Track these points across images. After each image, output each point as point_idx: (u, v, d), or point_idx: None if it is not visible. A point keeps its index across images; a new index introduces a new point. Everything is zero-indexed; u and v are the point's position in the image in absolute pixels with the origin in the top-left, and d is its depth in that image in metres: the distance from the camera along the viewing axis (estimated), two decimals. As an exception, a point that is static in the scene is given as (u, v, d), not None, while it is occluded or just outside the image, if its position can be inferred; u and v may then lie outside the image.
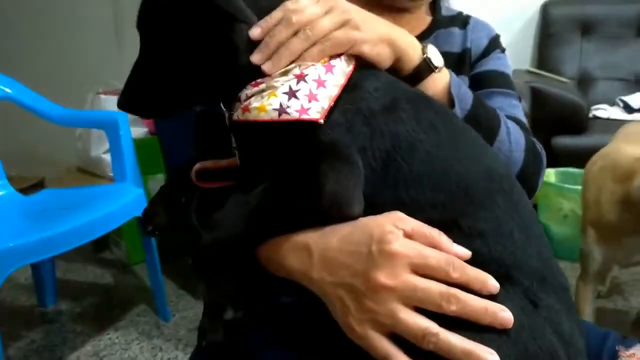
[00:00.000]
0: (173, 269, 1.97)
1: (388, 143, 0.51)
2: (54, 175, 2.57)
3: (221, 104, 0.59)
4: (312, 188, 0.48)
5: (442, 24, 0.79)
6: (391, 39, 0.58)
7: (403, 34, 0.60)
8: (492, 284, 0.44)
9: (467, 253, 0.46)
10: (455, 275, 0.44)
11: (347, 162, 0.48)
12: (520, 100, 0.76)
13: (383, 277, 0.43)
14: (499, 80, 0.76)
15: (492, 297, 0.44)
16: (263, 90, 0.52)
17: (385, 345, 0.43)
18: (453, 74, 0.63)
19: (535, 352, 0.43)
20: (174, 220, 0.68)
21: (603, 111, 2.31)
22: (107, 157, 2.02)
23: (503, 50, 0.80)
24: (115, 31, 2.68)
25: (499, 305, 0.43)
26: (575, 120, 2.06)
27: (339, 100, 0.51)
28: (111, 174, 2.02)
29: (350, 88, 0.52)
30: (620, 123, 2.01)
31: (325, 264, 0.47)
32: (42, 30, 2.73)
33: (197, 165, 0.63)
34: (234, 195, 0.56)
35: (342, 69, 0.53)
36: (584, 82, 2.55)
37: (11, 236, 1.27)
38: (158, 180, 2.11)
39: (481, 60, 0.78)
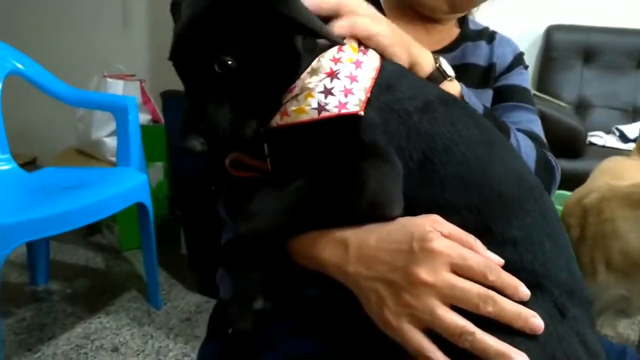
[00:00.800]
0: (165, 258, 1.97)
1: (424, 143, 0.52)
2: (45, 154, 2.55)
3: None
4: (354, 187, 0.49)
5: (469, 37, 0.81)
6: (407, 44, 0.61)
7: (417, 45, 0.63)
8: (524, 290, 0.46)
9: (500, 261, 0.48)
10: (491, 278, 0.45)
11: (388, 162, 0.50)
12: (538, 116, 0.78)
13: (423, 273, 0.45)
14: (521, 95, 0.79)
15: (522, 304, 0.46)
16: (297, 95, 0.53)
17: (420, 339, 0.45)
18: (463, 85, 0.66)
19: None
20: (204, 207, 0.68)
21: (599, 138, 2.36)
22: (109, 140, 2.01)
23: (526, 67, 0.83)
24: (123, 15, 2.67)
25: (531, 311, 0.45)
26: (573, 144, 2.11)
27: (372, 96, 0.52)
28: (111, 158, 2.02)
29: (382, 87, 0.54)
30: (616, 151, 2.06)
31: (363, 258, 0.48)
32: (49, 10, 2.70)
33: (233, 155, 0.62)
34: (265, 189, 0.57)
35: (371, 65, 0.55)
36: (582, 108, 2.61)
37: (16, 212, 1.27)
38: (157, 168, 2.12)
39: (505, 74, 0.81)
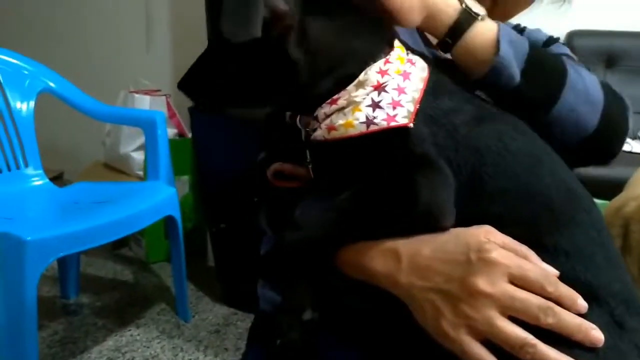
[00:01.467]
0: (192, 270, 1.98)
1: (472, 157, 0.52)
2: (72, 169, 2.60)
3: (297, 122, 0.59)
4: (407, 197, 0.49)
5: None
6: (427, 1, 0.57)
7: None
8: (581, 303, 0.46)
9: (555, 272, 0.47)
10: (549, 289, 0.45)
11: (440, 172, 0.50)
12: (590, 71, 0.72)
13: (482, 284, 0.45)
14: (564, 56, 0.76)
15: (580, 317, 0.46)
16: (343, 107, 0.53)
17: (479, 350, 0.44)
18: (502, 24, 0.61)
19: None
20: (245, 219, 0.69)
21: (626, 144, 2.32)
22: (136, 155, 2.05)
23: (564, 44, 0.79)
24: (146, 31, 2.72)
25: (591, 324, 0.45)
26: (599, 150, 2.08)
27: (421, 108, 0.52)
28: (138, 172, 2.05)
29: (429, 99, 0.54)
30: (642, 157, 2.03)
31: (416, 269, 0.48)
32: (74, 27, 2.77)
33: (276, 165, 0.63)
34: (310, 199, 0.57)
35: (419, 75, 0.55)
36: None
37: (51, 227, 1.30)
38: (184, 182, 2.14)
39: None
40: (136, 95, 2.02)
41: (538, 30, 0.82)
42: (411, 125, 0.51)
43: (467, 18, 0.58)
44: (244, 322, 1.74)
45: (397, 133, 0.51)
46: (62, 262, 1.81)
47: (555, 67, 0.60)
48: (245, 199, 0.68)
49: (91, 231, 1.32)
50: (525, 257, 0.47)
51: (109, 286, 1.98)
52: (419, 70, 0.55)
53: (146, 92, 2.07)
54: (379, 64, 0.54)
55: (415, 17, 0.57)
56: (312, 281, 0.55)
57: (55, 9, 2.79)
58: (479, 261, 0.45)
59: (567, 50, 0.76)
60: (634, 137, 2.42)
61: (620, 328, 0.47)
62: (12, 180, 1.55)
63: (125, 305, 1.85)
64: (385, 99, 0.52)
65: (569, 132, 0.59)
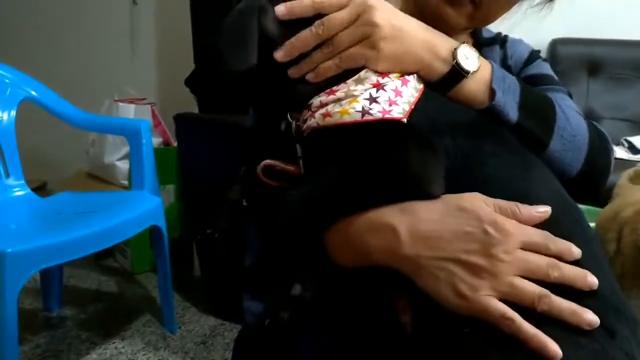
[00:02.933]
0: (178, 280, 1.95)
1: (469, 148, 0.54)
2: (56, 179, 2.56)
3: (288, 115, 0.60)
4: (397, 166, 0.50)
5: (485, 43, 0.82)
6: (414, 54, 0.58)
7: (432, 42, 0.60)
8: (575, 250, 0.49)
9: (547, 209, 0.50)
10: (552, 247, 0.49)
11: (432, 148, 0.52)
12: (571, 97, 0.74)
13: (502, 254, 0.48)
14: (545, 80, 0.77)
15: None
16: (340, 99, 0.55)
17: (501, 305, 0.46)
18: (496, 65, 0.62)
19: None
20: (232, 224, 0.68)
21: (609, 150, 2.36)
22: (121, 164, 2.02)
23: (545, 60, 0.82)
24: (131, 40, 2.70)
25: (583, 270, 0.48)
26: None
27: (417, 108, 0.54)
28: (123, 181, 2.03)
29: (423, 108, 0.55)
30: (626, 163, 2.05)
31: (423, 240, 0.49)
32: (60, 35, 2.74)
33: (266, 162, 0.63)
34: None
35: (415, 85, 0.57)
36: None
37: (32, 238, 1.27)
38: (169, 191, 2.12)
39: (524, 68, 0.80)
40: (120, 104, 2.00)
41: (520, 42, 0.83)
42: (405, 120, 0.53)
43: (455, 75, 0.59)
44: (231, 332, 1.72)
45: (390, 125, 0.53)
46: (45, 274, 1.77)
47: (545, 115, 0.62)
48: (230, 205, 0.67)
49: (74, 242, 1.29)
50: (515, 213, 0.50)
51: (93, 298, 1.94)
52: (416, 82, 0.58)
53: (131, 101, 2.06)
54: None
55: (391, 68, 0.57)
56: (305, 257, 0.55)
57: (39, 17, 2.76)
58: (497, 233, 0.48)
59: (548, 69, 0.79)
60: (617, 144, 2.46)
61: (611, 337, 0.47)
62: (-8, 191, 1.52)
63: (110, 317, 1.81)
64: (382, 96, 0.54)
65: (554, 173, 0.61)
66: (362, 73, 0.55)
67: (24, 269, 1.19)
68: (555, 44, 2.71)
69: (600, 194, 0.65)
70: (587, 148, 0.62)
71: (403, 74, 0.58)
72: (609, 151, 0.65)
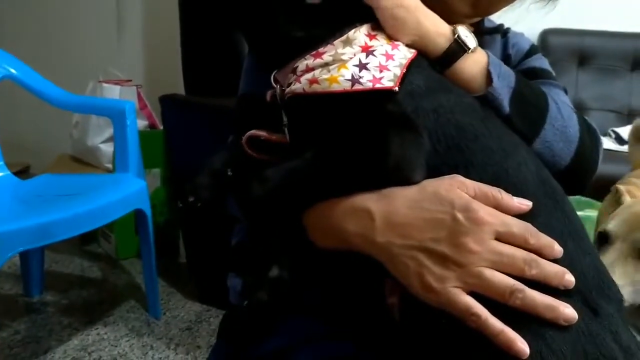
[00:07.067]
0: (164, 266, 1.93)
1: (453, 130, 0.52)
2: (39, 162, 2.51)
3: (271, 80, 0.58)
4: (377, 149, 0.48)
5: (486, 32, 0.80)
6: (416, 19, 0.57)
7: (429, 16, 0.59)
8: (557, 248, 0.47)
9: (528, 203, 0.48)
10: (532, 241, 0.46)
11: (414, 132, 0.50)
12: (567, 93, 0.74)
13: (471, 243, 0.45)
14: (543, 74, 0.75)
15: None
16: (328, 63, 0.52)
17: (467, 299, 0.45)
18: (491, 54, 0.62)
19: (596, 357, 0.43)
20: (217, 195, 0.65)
21: (597, 141, 2.37)
22: (105, 147, 1.97)
23: (544, 56, 0.81)
24: (117, 20, 2.64)
25: (563, 268, 0.46)
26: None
27: (407, 75, 0.52)
28: (107, 165, 1.98)
29: (417, 70, 0.54)
30: (612, 154, 2.06)
31: (394, 227, 0.48)
32: (43, 14, 2.67)
33: (251, 132, 0.61)
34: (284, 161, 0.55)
35: (407, 49, 0.55)
36: (578, 111, 2.60)
37: (10, 220, 1.22)
38: (155, 175, 2.08)
39: (524, 60, 0.79)
40: (105, 85, 1.95)
41: (522, 35, 0.82)
42: (396, 88, 0.51)
43: (457, 50, 0.58)
44: (217, 318, 1.69)
45: (380, 95, 0.51)
46: (25, 258, 1.73)
47: (538, 104, 0.61)
48: (213, 173, 0.64)
49: (53, 225, 1.25)
50: (498, 199, 0.48)
51: (75, 283, 1.90)
52: (407, 48, 0.56)
53: (117, 82, 2.00)
54: (367, 27, 0.54)
55: (403, 37, 0.57)
56: (281, 240, 0.53)
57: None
58: (467, 221, 0.46)
59: (546, 64, 0.78)
60: (605, 134, 2.46)
61: (594, 314, 0.46)
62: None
63: (93, 303, 1.78)
64: (372, 62, 0.52)
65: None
66: (351, 33, 0.53)
67: (1, 251, 1.14)
68: (546, 35, 2.71)
69: (587, 187, 0.64)
70: (577, 141, 0.61)
71: (397, 40, 0.56)
72: (599, 146, 0.65)
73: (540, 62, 0.78)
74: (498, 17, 0.82)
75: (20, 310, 1.70)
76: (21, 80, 1.55)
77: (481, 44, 0.78)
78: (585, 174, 0.62)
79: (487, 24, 0.83)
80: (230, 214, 0.69)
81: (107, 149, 1.93)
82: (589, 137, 0.63)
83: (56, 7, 2.66)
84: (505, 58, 0.78)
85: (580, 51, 2.66)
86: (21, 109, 2.15)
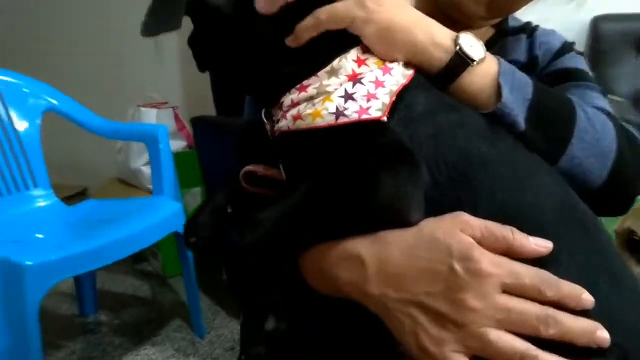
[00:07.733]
0: (209, 283, 1.95)
1: (456, 156, 0.46)
2: (96, 185, 2.62)
3: (262, 114, 0.55)
4: (366, 186, 0.43)
5: (509, 32, 0.73)
6: (407, 32, 0.50)
7: (430, 28, 0.52)
8: (587, 297, 0.40)
9: (547, 244, 0.41)
10: (549, 293, 0.40)
11: (409, 164, 0.44)
12: (605, 96, 0.64)
13: (472, 299, 0.39)
14: (576, 75, 0.67)
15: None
16: (313, 97, 0.48)
17: None
18: (504, 61, 0.54)
19: None
20: (217, 233, 0.64)
21: None
22: (146, 169, 2.03)
23: (580, 53, 0.72)
24: (155, 45, 2.72)
25: (596, 323, 0.39)
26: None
27: (398, 101, 0.46)
28: (149, 186, 2.04)
29: (412, 94, 0.48)
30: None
31: (388, 277, 0.43)
32: (85, 44, 2.79)
33: (248, 167, 0.58)
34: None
35: (402, 72, 0.49)
36: (634, 105, 2.43)
37: (56, 248, 1.28)
38: (195, 194, 2.12)
39: (554, 60, 0.70)
40: (142, 109, 2.01)
41: (552, 32, 0.74)
42: (384, 119, 0.45)
43: (458, 63, 0.50)
44: (259, 336, 1.70)
45: (367, 127, 0.45)
46: (78, 280, 1.81)
47: (562, 115, 0.52)
48: (213, 209, 0.63)
49: (96, 251, 1.30)
50: (508, 240, 0.41)
51: (127, 302, 1.97)
52: (402, 69, 0.50)
53: (154, 105, 2.06)
54: (356, 51, 0.49)
55: (396, 58, 0.50)
56: (277, 287, 0.50)
57: (57, 31, 2.80)
58: (467, 274, 0.40)
59: (581, 63, 0.69)
60: None
61: None
62: (19, 202, 1.55)
63: (143, 322, 1.83)
64: (359, 91, 0.47)
65: (574, 184, 0.51)
66: (335, 62, 0.48)
67: (44, 280, 1.20)
68: (597, 22, 2.53)
69: (629, 207, 0.55)
70: (614, 154, 0.52)
71: (388, 59, 0.50)
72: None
73: (575, 61, 0.69)
74: (540, 11, 0.73)
75: (76, 330, 1.78)
76: (62, 111, 1.63)
77: (504, 46, 0.73)
78: (626, 192, 0.54)
79: (511, 23, 0.75)
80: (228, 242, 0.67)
81: (148, 170, 1.99)
82: (629, 147, 0.53)
83: (98, 36, 2.76)
84: (531, 60, 0.71)
85: (637, 37, 2.47)
86: (75, 134, 2.26)
